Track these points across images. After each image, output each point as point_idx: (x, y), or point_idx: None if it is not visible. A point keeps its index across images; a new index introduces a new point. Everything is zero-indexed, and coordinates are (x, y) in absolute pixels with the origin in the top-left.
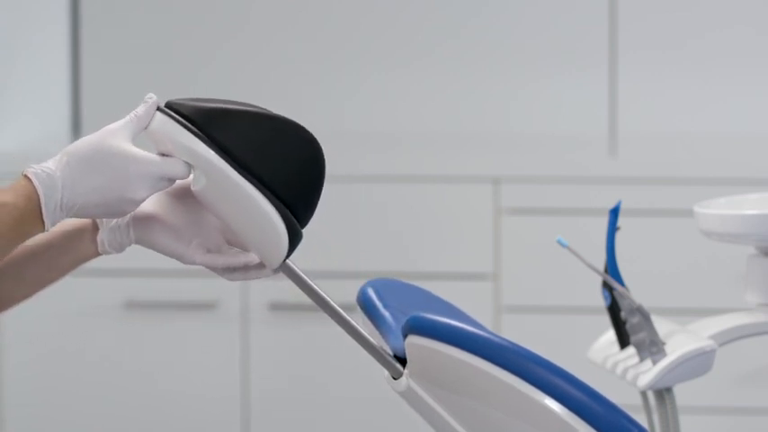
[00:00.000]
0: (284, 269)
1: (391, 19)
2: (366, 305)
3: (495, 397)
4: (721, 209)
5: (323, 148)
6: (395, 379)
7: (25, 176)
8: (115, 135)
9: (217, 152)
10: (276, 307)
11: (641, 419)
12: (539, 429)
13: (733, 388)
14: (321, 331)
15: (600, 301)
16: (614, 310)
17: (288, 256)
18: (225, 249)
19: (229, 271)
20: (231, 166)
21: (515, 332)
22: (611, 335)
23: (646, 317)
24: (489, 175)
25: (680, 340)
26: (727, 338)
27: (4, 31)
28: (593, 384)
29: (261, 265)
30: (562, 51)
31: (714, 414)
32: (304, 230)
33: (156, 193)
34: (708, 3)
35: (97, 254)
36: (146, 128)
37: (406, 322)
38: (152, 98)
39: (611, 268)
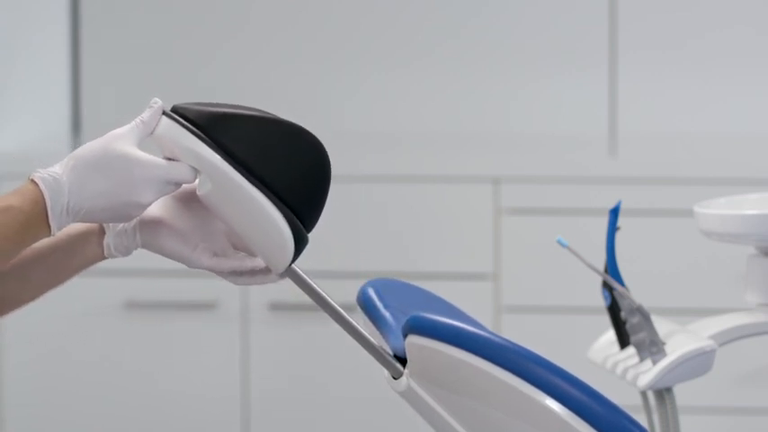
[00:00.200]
0: (290, 274)
1: (391, 19)
2: (366, 305)
3: (496, 397)
4: (721, 209)
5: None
6: (395, 379)
7: (32, 180)
8: (121, 139)
9: (222, 156)
10: (276, 307)
11: (641, 419)
12: (539, 429)
13: (733, 388)
14: (321, 331)
15: (600, 301)
16: (614, 310)
17: (294, 260)
18: (231, 253)
19: (235, 275)
20: (236, 170)
21: (515, 332)
22: (611, 335)
23: (646, 317)
24: (489, 175)
25: (680, 340)
26: (727, 338)
27: (4, 31)
28: (593, 384)
29: (267, 270)
30: (562, 51)
31: (714, 414)
32: None
33: (163, 198)
34: (708, 3)
35: (103, 257)
36: (151, 133)
37: (406, 322)
38: (157, 103)
39: (611, 268)
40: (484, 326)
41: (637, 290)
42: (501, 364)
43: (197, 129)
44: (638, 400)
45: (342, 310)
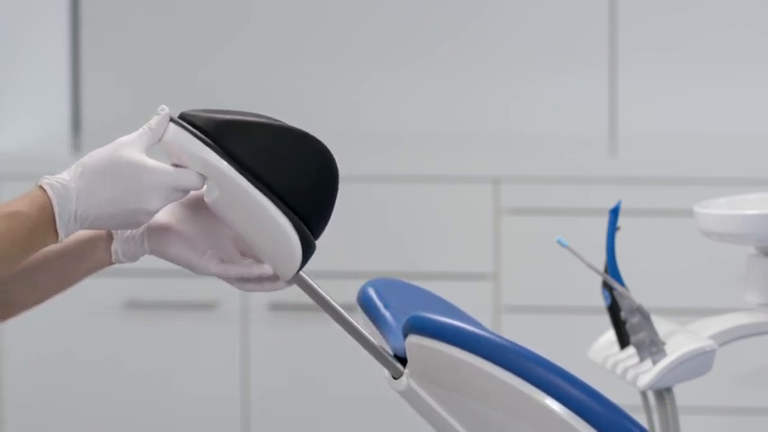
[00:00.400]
0: (298, 280)
1: (391, 19)
2: (366, 305)
3: (496, 397)
4: (721, 209)
5: None
6: (395, 379)
7: (40, 187)
8: (129, 146)
9: (230, 163)
10: (276, 307)
11: (641, 419)
12: (539, 429)
13: (733, 388)
14: (321, 331)
15: (600, 301)
16: (614, 310)
17: (301, 267)
18: (238, 260)
19: (243, 281)
20: (244, 177)
21: (515, 332)
22: (611, 335)
23: (646, 317)
24: (489, 175)
25: (680, 340)
26: (727, 338)
27: (4, 31)
28: (593, 384)
29: (274, 277)
30: (562, 51)
31: (714, 414)
32: None
33: (171, 204)
34: (708, 3)
35: (110, 263)
36: (159, 139)
37: (406, 322)
38: (164, 110)
39: (611, 268)
40: (484, 326)
41: (637, 290)
42: (501, 364)
43: (205, 136)
44: (638, 400)
45: (350, 318)
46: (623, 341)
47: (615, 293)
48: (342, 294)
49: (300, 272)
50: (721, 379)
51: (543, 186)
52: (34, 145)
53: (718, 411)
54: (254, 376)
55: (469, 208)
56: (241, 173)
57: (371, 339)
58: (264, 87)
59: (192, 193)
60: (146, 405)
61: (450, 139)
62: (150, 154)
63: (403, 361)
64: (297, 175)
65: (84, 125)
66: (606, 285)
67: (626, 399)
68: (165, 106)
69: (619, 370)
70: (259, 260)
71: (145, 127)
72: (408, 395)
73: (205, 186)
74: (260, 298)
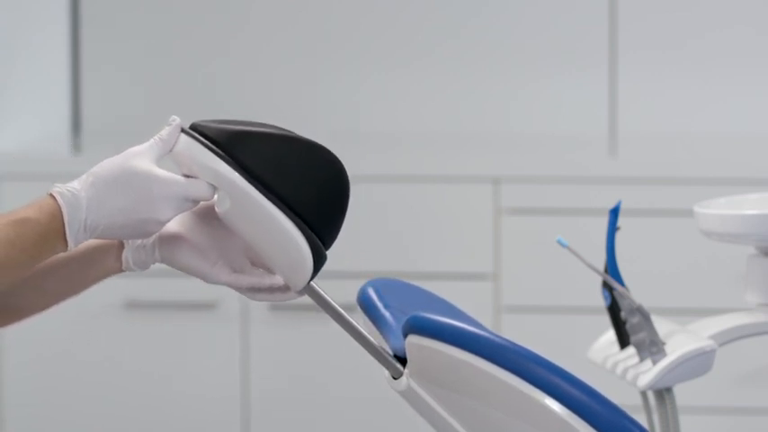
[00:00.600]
0: (309, 291)
1: (391, 19)
2: (366, 305)
3: (496, 397)
4: (721, 209)
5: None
6: (395, 379)
7: (50, 195)
8: (140, 156)
9: (241, 174)
10: (276, 307)
11: (641, 419)
12: (539, 429)
13: (733, 388)
14: (321, 331)
15: (600, 301)
16: (614, 310)
17: (312, 278)
18: (249, 269)
19: (254, 291)
20: (256, 188)
21: (515, 332)
22: (611, 335)
23: (646, 317)
24: (489, 175)
25: (680, 340)
26: (727, 338)
27: (4, 31)
28: (593, 384)
29: (285, 287)
30: (562, 51)
31: (714, 414)
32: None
33: (182, 214)
34: (708, 3)
35: (120, 270)
36: (170, 150)
37: (406, 322)
38: (175, 120)
39: (611, 268)
40: (484, 326)
41: (637, 290)
42: (501, 364)
43: (216, 146)
44: (638, 400)
45: (360, 328)
46: (623, 341)
47: (615, 293)
48: (342, 294)
49: (311, 282)
50: (721, 379)
51: (543, 186)
52: (34, 145)
53: (718, 411)
54: (254, 376)
55: (469, 208)
56: (252, 183)
57: (374, 342)
58: (264, 87)
59: (202, 202)
60: (146, 405)
61: (450, 139)
62: (160, 164)
63: (403, 361)
64: (308, 185)
65: (84, 125)
66: (606, 285)
67: (626, 399)
68: (176, 117)
69: (619, 370)
70: (269, 270)
71: (156, 137)
72: (408, 395)
73: (216, 197)
74: None
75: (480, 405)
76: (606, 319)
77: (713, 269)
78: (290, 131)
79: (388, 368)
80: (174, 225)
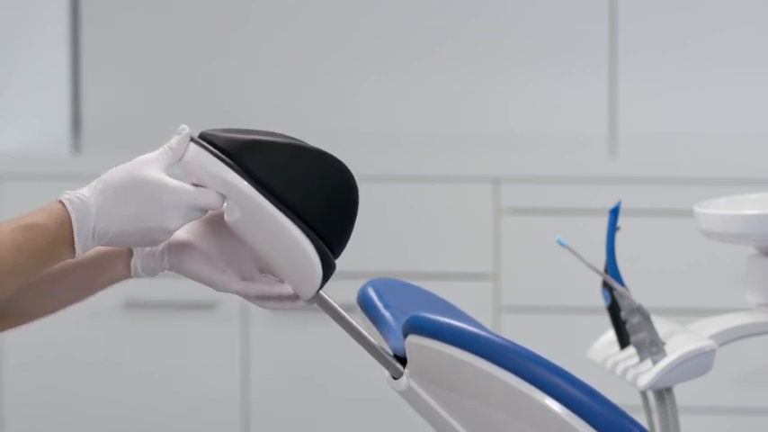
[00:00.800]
0: (317, 300)
1: (391, 19)
2: (366, 305)
3: (495, 397)
4: (721, 209)
5: (324, 147)
6: (395, 379)
7: (59, 201)
8: (150, 165)
9: (251, 183)
10: None
11: (641, 419)
12: (539, 429)
13: (733, 388)
14: (321, 331)
15: (600, 301)
16: (614, 310)
17: (321, 287)
18: (258, 277)
19: (263, 299)
20: (265, 197)
21: (515, 332)
22: (611, 335)
23: (646, 317)
24: (489, 175)
25: (680, 340)
26: (727, 338)
27: (4, 31)
28: (593, 384)
29: (295, 296)
30: (562, 51)
31: (714, 414)
32: None
33: (191, 222)
34: (708, 3)
35: (129, 277)
36: (180, 159)
37: (406, 322)
38: (185, 129)
39: (611, 268)
40: (484, 326)
41: (637, 290)
42: (501, 364)
43: (225, 156)
44: (638, 400)
45: (369, 336)
46: (623, 341)
47: (615, 293)
48: (342, 294)
49: (321, 291)
50: (721, 379)
51: (543, 186)
52: (34, 145)
53: (718, 411)
54: (254, 376)
55: (469, 208)
56: (261, 193)
57: (374, 342)
58: (264, 87)
59: (212, 210)
60: (146, 405)
61: (450, 139)
62: (169, 172)
63: (403, 361)
64: (317, 194)
65: (84, 125)
66: (606, 285)
67: (626, 399)
68: (185, 126)
69: (619, 370)
70: (278, 278)
71: (165, 146)
72: (408, 395)
73: (225, 206)
74: None
75: (480, 405)
76: (606, 319)
77: (713, 269)
78: (299, 140)
79: (388, 368)
80: (183, 233)
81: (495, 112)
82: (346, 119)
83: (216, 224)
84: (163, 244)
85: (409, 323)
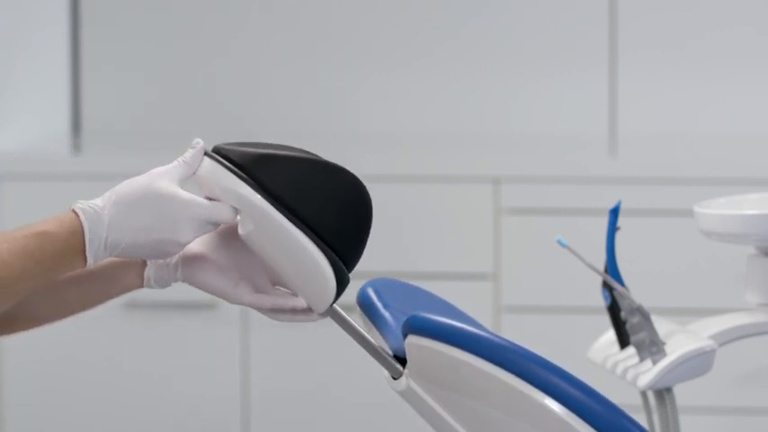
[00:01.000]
0: (331, 313)
1: (391, 19)
2: (366, 305)
3: (495, 397)
4: (721, 209)
5: (324, 147)
6: (395, 379)
7: (72, 210)
8: (164, 178)
9: (265, 197)
10: None
11: (641, 419)
12: (539, 429)
13: (733, 388)
14: (321, 331)
15: (600, 301)
16: (614, 310)
17: (335, 300)
18: (271, 290)
19: (276, 312)
20: (279, 210)
21: (515, 332)
22: (611, 335)
23: (646, 317)
24: (489, 175)
25: (680, 340)
26: (727, 338)
27: (4, 31)
28: (593, 384)
29: (308, 309)
30: (562, 51)
31: (714, 414)
32: None
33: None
34: (708, 3)
35: (141, 287)
36: (194, 173)
37: (405, 322)
38: (199, 143)
39: (611, 268)
40: (484, 326)
41: (637, 290)
42: (500, 364)
43: (239, 170)
44: (638, 400)
45: (380, 348)
46: (623, 341)
47: (615, 293)
48: (342, 294)
49: (334, 304)
50: (721, 379)
51: (543, 186)
52: (34, 145)
53: (718, 411)
54: (254, 376)
55: (469, 208)
56: (275, 207)
57: (374, 343)
58: (264, 87)
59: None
60: (146, 405)
61: (451, 139)
62: (182, 185)
63: (402, 361)
64: (330, 208)
65: (84, 125)
66: (606, 285)
67: (626, 399)
68: (199, 140)
69: (619, 370)
70: (291, 291)
71: (180, 159)
72: (408, 395)
73: (239, 219)
74: None
75: (480, 405)
76: (606, 319)
77: (713, 269)
78: (313, 154)
79: (387, 368)
80: (196, 245)
81: (495, 112)
82: (346, 119)
83: (229, 237)
84: (176, 256)
85: (409, 323)
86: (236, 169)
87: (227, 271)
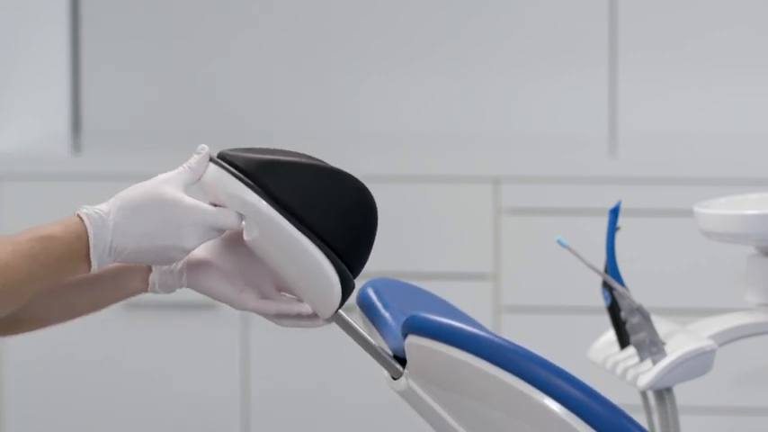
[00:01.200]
0: (336, 319)
1: (391, 19)
2: (366, 305)
3: (495, 397)
4: (721, 209)
5: (323, 148)
6: (395, 379)
7: (77, 215)
8: (169, 183)
9: (270, 203)
10: None
11: (641, 419)
12: (538, 429)
13: (733, 388)
14: (321, 331)
15: (600, 301)
16: (614, 310)
17: (340, 306)
18: (276, 296)
19: (281, 318)
20: (284, 216)
21: (515, 332)
22: (611, 335)
23: (646, 317)
24: (489, 175)
25: (680, 340)
26: (727, 338)
27: (4, 31)
28: (593, 384)
29: (313, 315)
30: (562, 51)
31: (714, 414)
32: None
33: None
34: (708, 3)
35: (145, 291)
36: (199, 179)
37: (405, 322)
38: (204, 149)
39: (611, 268)
40: (484, 326)
41: (637, 290)
42: (500, 364)
43: (244, 175)
44: (638, 400)
45: (386, 354)
46: (623, 341)
47: (615, 293)
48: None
49: (339, 310)
50: (721, 379)
51: (543, 186)
52: (34, 145)
53: (718, 411)
54: (254, 376)
55: (469, 208)
56: (280, 212)
57: (375, 344)
58: (264, 87)
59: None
60: (146, 405)
61: (450, 139)
62: (187, 191)
63: (402, 361)
64: (335, 213)
65: (84, 125)
66: (606, 285)
67: (626, 399)
68: (204, 146)
69: (619, 370)
70: (297, 297)
71: (185, 165)
72: (408, 395)
73: (244, 225)
74: None
75: (480, 405)
76: (606, 319)
77: (713, 269)
78: (318, 160)
79: (387, 369)
80: (201, 251)
81: (495, 112)
82: (346, 119)
83: (234, 242)
84: (182, 261)
85: (408, 323)
86: (241, 175)
87: (232, 277)
